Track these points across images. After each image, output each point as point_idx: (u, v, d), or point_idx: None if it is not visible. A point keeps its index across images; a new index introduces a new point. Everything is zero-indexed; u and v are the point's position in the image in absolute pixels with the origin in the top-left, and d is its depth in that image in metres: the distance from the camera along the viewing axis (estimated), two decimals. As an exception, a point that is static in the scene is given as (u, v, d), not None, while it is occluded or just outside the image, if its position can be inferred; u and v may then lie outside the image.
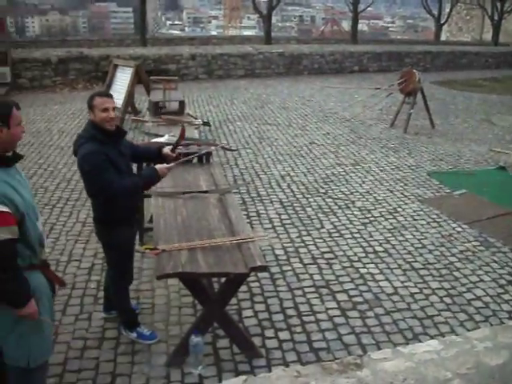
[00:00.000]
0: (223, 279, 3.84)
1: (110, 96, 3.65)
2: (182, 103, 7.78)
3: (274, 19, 29.69)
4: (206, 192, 4.57)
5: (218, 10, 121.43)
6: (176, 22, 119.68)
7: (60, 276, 3.57)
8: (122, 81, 10.63)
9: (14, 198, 2.55)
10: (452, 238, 5.80)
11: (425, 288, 4.80)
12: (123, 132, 3.75)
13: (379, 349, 3.86)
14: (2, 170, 2.59)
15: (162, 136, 5.76)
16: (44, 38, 36.51)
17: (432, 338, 3.97)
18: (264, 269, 3.57)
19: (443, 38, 34.28)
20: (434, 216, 6.39)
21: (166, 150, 3.91)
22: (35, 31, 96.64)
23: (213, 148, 6.05)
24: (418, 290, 4.76)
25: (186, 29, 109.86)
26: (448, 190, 7.29)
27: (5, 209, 2.47)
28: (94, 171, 3.44)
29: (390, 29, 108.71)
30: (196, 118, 7.51)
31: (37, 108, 11.88)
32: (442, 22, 31.65)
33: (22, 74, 14.70)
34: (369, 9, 31.61)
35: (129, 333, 3.99)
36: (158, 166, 3.61)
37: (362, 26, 74.49)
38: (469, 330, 3.97)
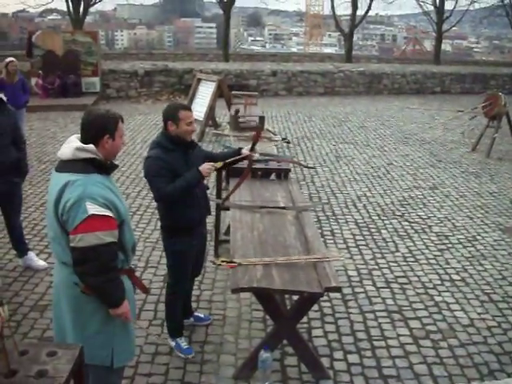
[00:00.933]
0: (295, 297, 3.85)
1: (191, 109, 3.83)
2: (262, 119, 7.87)
3: (355, 37, 29.53)
4: (283, 208, 4.60)
5: (298, 27, 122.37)
6: (257, 38, 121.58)
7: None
8: (204, 94, 10.95)
9: (117, 203, 2.67)
10: (535, 272, 5.53)
11: (503, 322, 4.58)
12: (192, 143, 3.85)
13: (452, 382, 3.76)
14: (104, 177, 2.72)
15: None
16: (131, 50, 38.15)
17: (509, 375, 3.80)
18: (338, 289, 3.54)
19: (533, 60, 32.85)
20: (517, 247, 6.12)
21: (245, 150, 4.03)
22: (124, 44, 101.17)
23: (291, 165, 6.09)
24: (495, 324, 4.55)
25: (267, 45, 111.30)
26: (533, 221, 6.96)
27: (109, 213, 2.59)
28: (149, 175, 3.64)
29: (475, 49, 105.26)
30: (275, 134, 7.58)
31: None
32: (531, 43, 30.38)
33: (111, 84, 15.47)
34: (453, 28, 30.80)
35: (169, 340, 4.06)
36: (200, 167, 3.66)
37: (446, 45, 72.47)
38: (550, 371, 3.77)
